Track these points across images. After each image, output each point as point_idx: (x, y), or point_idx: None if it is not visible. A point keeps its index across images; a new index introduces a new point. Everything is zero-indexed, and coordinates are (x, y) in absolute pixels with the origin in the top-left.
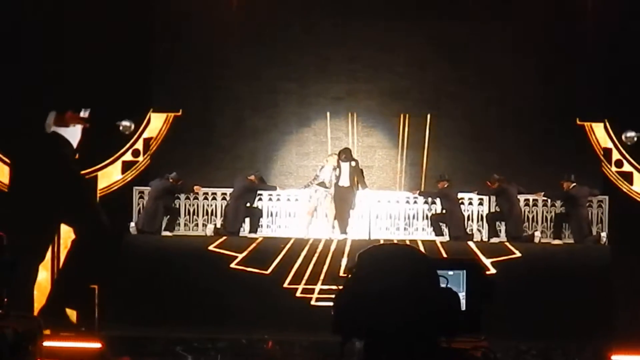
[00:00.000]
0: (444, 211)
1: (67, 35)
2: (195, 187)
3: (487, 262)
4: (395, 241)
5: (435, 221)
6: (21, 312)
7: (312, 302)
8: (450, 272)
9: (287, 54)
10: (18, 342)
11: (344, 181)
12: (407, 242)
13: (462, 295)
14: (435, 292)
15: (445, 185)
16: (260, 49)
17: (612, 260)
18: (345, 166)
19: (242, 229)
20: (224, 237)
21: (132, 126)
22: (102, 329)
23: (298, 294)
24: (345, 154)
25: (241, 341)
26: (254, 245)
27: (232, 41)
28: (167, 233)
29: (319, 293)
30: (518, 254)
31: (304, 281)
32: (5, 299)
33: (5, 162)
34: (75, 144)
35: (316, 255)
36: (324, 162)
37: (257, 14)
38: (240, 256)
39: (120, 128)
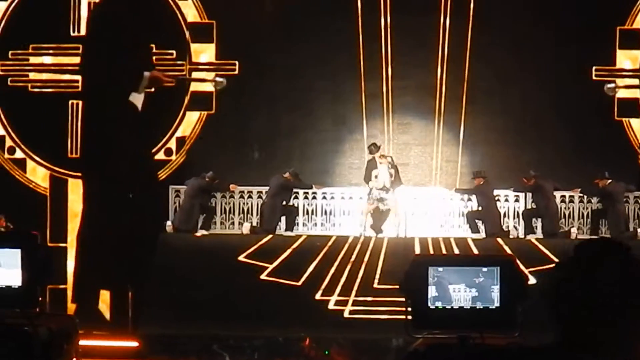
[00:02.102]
0: (479, 208)
1: None
2: (231, 186)
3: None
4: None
5: (471, 218)
6: (56, 311)
7: (346, 315)
8: (485, 269)
9: (322, 51)
10: (52, 340)
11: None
12: (441, 239)
13: (496, 289)
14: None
15: (481, 182)
16: (294, 47)
17: None
18: (382, 165)
19: (278, 227)
20: (257, 244)
21: (225, 82)
22: (138, 328)
23: (330, 307)
24: (375, 147)
25: (277, 339)
26: (286, 254)
27: (267, 40)
28: (203, 231)
29: (352, 305)
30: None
31: (337, 292)
32: (40, 298)
33: (46, 167)
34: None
35: (352, 258)
36: (376, 164)
37: (291, 13)
38: (271, 267)
39: (213, 84)
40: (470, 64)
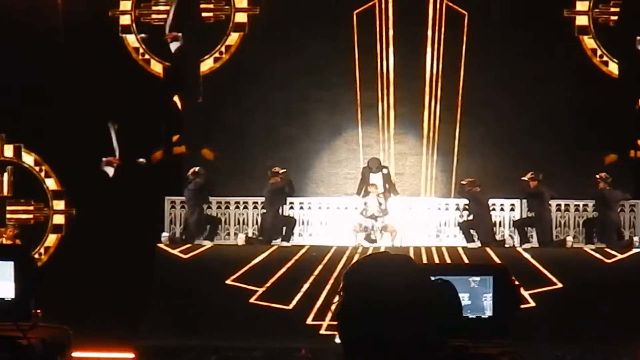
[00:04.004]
0: (470, 217)
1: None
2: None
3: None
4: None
5: (466, 228)
6: (50, 323)
7: (337, 340)
8: (478, 278)
9: (318, 62)
10: (46, 353)
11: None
12: (434, 249)
13: (489, 298)
14: (431, 294)
15: (477, 190)
16: (290, 57)
17: None
18: (377, 177)
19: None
20: (252, 260)
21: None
22: (135, 339)
23: (322, 332)
24: (375, 164)
25: (275, 349)
26: (281, 271)
27: (263, 50)
28: (208, 242)
29: None
30: (559, 285)
31: (328, 317)
32: (33, 310)
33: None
34: None
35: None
36: (367, 191)
37: (287, 23)
38: (261, 290)
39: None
40: (465, 75)
